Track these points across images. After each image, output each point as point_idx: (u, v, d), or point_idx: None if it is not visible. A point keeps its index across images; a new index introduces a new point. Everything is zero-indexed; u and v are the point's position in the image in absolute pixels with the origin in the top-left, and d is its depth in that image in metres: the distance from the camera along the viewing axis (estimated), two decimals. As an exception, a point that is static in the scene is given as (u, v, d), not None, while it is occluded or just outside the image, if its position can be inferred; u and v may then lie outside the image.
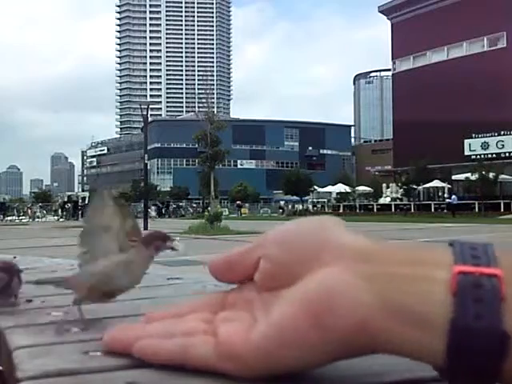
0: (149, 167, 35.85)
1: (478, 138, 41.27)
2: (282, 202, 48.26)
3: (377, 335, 0.30)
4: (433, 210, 34.89)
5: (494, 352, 0.27)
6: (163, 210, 39.91)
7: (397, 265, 0.31)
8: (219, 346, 0.34)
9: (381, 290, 0.30)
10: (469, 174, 33.36)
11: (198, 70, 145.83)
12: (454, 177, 37.72)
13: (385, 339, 0.30)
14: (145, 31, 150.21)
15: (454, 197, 32.81)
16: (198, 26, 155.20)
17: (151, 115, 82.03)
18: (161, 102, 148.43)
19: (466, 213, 30.22)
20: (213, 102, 76.81)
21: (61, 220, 32.37)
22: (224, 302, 0.39)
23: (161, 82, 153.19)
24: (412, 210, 35.21)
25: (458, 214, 30.01)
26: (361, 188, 44.02)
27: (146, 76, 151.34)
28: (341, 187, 43.39)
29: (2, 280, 0.66)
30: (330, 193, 45.12)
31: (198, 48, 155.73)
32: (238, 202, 47.51)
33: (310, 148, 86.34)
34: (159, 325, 0.39)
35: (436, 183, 38.24)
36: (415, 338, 0.29)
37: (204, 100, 23.46)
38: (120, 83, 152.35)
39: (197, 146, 23.50)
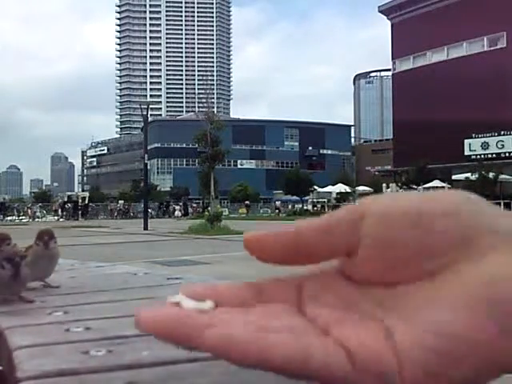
0: (149, 167, 35.90)
1: (477, 138, 41.28)
2: (277, 203, 48.26)
3: None
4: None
5: None
6: (184, 210, 39.18)
7: None
8: (354, 356, 0.23)
9: None
10: (469, 174, 33.38)
11: (198, 70, 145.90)
12: (453, 177, 37.72)
13: None
14: (145, 31, 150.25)
15: None
16: (197, 26, 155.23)
17: (151, 115, 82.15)
18: (161, 102, 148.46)
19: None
20: (213, 102, 76.90)
21: (61, 220, 32.40)
22: (299, 292, 0.28)
23: (161, 82, 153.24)
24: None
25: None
26: (361, 188, 44.01)
27: (146, 76, 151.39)
28: (341, 187, 43.38)
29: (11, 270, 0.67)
30: (330, 193, 45.10)
31: (198, 48, 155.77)
32: (246, 202, 47.71)
33: (310, 148, 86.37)
34: (234, 314, 0.26)
35: (436, 183, 38.24)
36: None
37: (204, 100, 23.47)
38: (120, 83, 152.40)
39: (197, 145, 23.47)
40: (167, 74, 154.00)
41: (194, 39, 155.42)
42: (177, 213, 37.41)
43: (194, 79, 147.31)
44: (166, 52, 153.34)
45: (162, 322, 0.25)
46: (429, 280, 0.24)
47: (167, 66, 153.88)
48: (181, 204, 40.60)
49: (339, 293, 0.27)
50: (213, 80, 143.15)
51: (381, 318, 0.24)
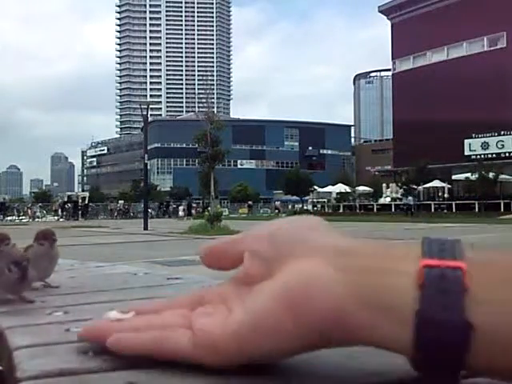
0: (149, 167, 35.86)
1: (478, 138, 41.27)
2: (277, 203, 48.20)
3: (349, 325, 0.31)
4: (433, 210, 34.90)
5: (458, 341, 0.28)
6: (188, 211, 38.72)
7: (369, 259, 0.32)
8: (195, 337, 0.35)
9: (354, 282, 0.32)
10: (469, 174, 33.39)
11: (198, 70, 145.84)
12: (453, 177, 37.73)
13: (357, 330, 0.31)
14: (145, 31, 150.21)
15: (410, 198, 33.94)
16: (197, 26, 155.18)
17: (151, 115, 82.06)
18: (161, 102, 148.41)
19: (466, 213, 30.21)
20: (213, 102, 76.86)
21: (61, 220, 32.38)
22: (202, 299, 0.39)
23: (161, 82, 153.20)
24: (412, 210, 35.23)
25: (454, 213, 30.03)
26: (361, 188, 44.00)
27: (146, 76, 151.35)
28: (341, 187, 43.37)
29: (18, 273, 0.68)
30: (330, 193, 45.09)
31: (198, 48, 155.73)
32: (249, 203, 47.75)
33: (310, 148, 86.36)
34: (135, 319, 0.40)
35: (436, 183, 38.24)
36: (384, 329, 0.30)
37: (204, 100, 23.43)
38: (120, 83, 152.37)
39: (197, 146, 23.45)
40: (167, 74, 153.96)
41: (193, 39, 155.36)
42: (180, 213, 37.20)
43: (194, 79, 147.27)
44: (166, 52, 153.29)
45: (90, 329, 0.40)
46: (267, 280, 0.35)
47: (167, 66, 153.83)
48: (184, 204, 40.40)
49: (225, 294, 0.38)
50: (213, 80, 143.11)
51: (235, 306, 0.35)
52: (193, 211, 37.70)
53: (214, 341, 0.34)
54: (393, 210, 36.55)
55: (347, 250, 0.34)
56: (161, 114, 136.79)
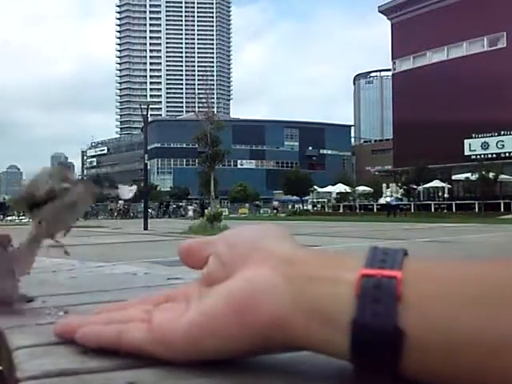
0: (149, 167, 35.87)
1: (478, 138, 41.27)
2: (275, 203, 48.09)
3: (292, 332, 0.33)
4: (433, 210, 34.91)
5: (389, 346, 0.30)
6: (202, 211, 37.22)
7: (315, 268, 0.34)
8: (151, 331, 0.37)
9: (298, 290, 0.33)
10: (469, 174, 33.38)
11: (198, 70, 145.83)
12: (453, 177, 37.74)
13: (299, 336, 0.33)
14: (145, 31, 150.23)
15: (392, 198, 34.73)
16: (197, 26, 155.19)
17: (151, 115, 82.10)
18: (161, 102, 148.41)
19: (466, 213, 30.22)
20: (213, 102, 76.87)
21: (61, 220, 32.34)
22: (168, 297, 0.42)
23: (161, 82, 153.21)
24: (412, 210, 35.24)
25: (454, 213, 30.02)
26: (361, 188, 43.99)
27: (146, 76, 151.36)
28: (341, 187, 43.37)
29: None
30: (330, 193, 45.11)
31: (198, 48, 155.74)
32: (256, 203, 47.69)
33: (310, 148, 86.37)
34: (103, 315, 0.43)
35: (436, 183, 38.24)
36: (324, 336, 0.32)
37: (204, 100, 23.45)
38: (120, 83, 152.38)
39: (197, 145, 23.46)
40: (167, 74, 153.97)
41: (194, 39, 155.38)
42: (190, 213, 36.56)
43: (194, 79, 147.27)
44: (166, 52, 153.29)
45: (63, 325, 0.42)
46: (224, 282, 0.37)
47: (167, 66, 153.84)
48: (196, 203, 39.73)
49: (189, 292, 0.40)
50: (213, 80, 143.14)
51: (192, 305, 0.37)
52: (206, 211, 36.15)
53: (165, 336, 0.36)
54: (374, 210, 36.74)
55: (296, 259, 0.35)
56: (161, 114, 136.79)
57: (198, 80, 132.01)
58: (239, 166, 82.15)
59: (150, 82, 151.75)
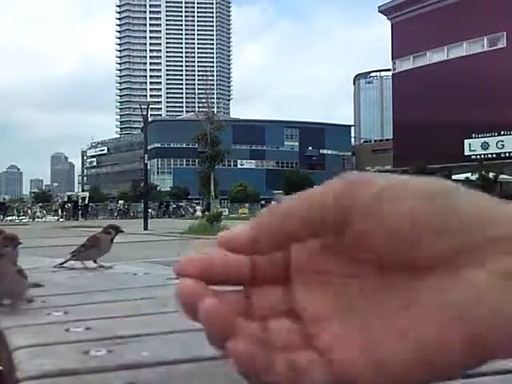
0: (149, 167, 35.83)
1: (478, 138, 41.28)
2: (273, 203, 48.09)
3: None
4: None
5: None
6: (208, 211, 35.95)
7: None
8: (333, 367, 0.23)
9: None
10: (469, 174, 33.38)
11: (198, 70, 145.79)
12: (454, 177, 37.66)
13: None
14: (145, 31, 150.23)
15: None
16: (197, 25, 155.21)
17: (151, 115, 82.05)
18: (161, 102, 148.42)
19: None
20: (213, 102, 76.89)
21: (61, 220, 32.38)
22: (287, 268, 0.27)
23: (161, 82, 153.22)
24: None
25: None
26: (361, 188, 44.00)
27: (146, 76, 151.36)
28: (341, 187, 43.38)
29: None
30: (330, 193, 45.11)
31: (198, 48, 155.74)
32: (262, 203, 47.63)
33: (310, 148, 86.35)
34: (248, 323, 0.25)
35: (436, 183, 38.24)
36: None
37: (204, 100, 23.48)
38: (120, 83, 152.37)
39: (197, 145, 23.48)
40: (167, 74, 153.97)
41: (194, 39, 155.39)
42: (198, 213, 36.17)
43: (194, 79, 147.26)
44: (166, 52, 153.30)
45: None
46: (434, 273, 0.22)
47: (167, 66, 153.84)
48: (202, 203, 39.37)
49: (327, 270, 0.25)
50: (213, 80, 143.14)
51: (368, 314, 0.23)
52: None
53: (356, 378, 0.23)
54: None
55: None
56: (161, 114, 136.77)
57: (198, 80, 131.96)
58: (239, 166, 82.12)
59: (150, 82, 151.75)
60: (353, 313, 0.24)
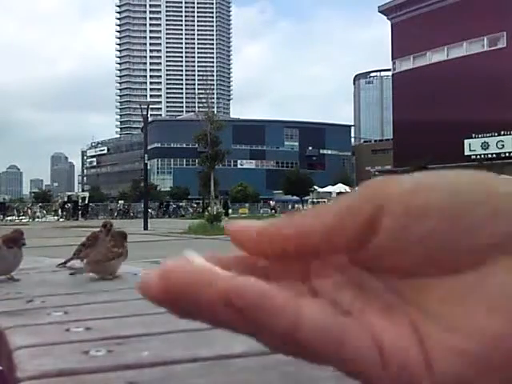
0: (149, 167, 35.85)
1: (478, 138, 41.29)
2: (272, 202, 47.85)
3: None
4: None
5: None
6: (225, 210, 33.81)
7: None
8: (385, 357, 0.20)
9: None
10: (469, 174, 33.37)
11: (198, 70, 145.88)
12: (454, 177, 37.76)
13: None
14: (145, 31, 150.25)
15: None
16: (197, 26, 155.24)
17: (151, 115, 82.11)
18: (161, 102, 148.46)
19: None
20: (213, 102, 76.89)
21: (61, 220, 32.38)
22: (307, 273, 0.23)
23: (161, 82, 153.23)
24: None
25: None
26: (361, 188, 43.99)
27: (146, 76, 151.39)
28: (341, 187, 43.39)
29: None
30: (330, 193, 45.09)
31: (198, 48, 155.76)
32: (270, 203, 47.51)
33: (310, 148, 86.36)
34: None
35: (436, 183, 38.26)
36: None
37: (204, 100, 23.48)
38: (120, 83, 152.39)
39: (197, 146, 23.49)
40: (167, 74, 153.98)
41: (194, 39, 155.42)
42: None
43: (194, 79, 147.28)
44: (166, 52, 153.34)
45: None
46: (453, 275, 0.20)
47: (167, 66, 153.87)
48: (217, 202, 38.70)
49: (349, 276, 0.22)
50: (213, 80, 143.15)
51: (403, 310, 0.21)
52: (230, 211, 33.67)
53: (413, 371, 0.20)
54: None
55: None
56: (161, 114, 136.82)
57: (198, 80, 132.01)
58: (239, 166, 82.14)
59: (150, 82, 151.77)
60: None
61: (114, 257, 1.11)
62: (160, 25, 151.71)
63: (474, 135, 41.20)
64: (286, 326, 0.20)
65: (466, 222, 0.20)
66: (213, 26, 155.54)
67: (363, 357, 0.20)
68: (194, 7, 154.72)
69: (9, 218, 32.55)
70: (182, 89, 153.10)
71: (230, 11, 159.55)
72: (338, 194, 43.72)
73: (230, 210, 35.38)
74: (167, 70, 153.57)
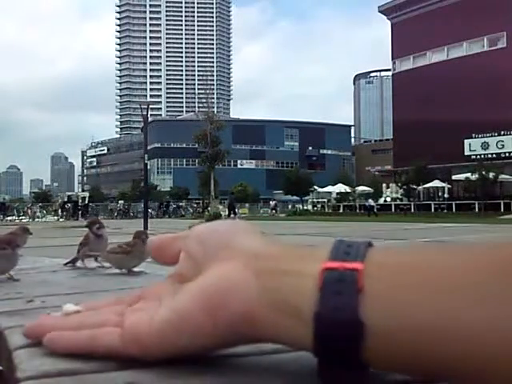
0: (149, 167, 35.78)
1: (477, 138, 41.25)
2: (272, 203, 47.72)
3: (261, 326, 0.34)
4: (433, 210, 34.89)
5: (350, 338, 0.30)
6: (232, 211, 32.94)
7: (282, 262, 0.34)
8: (124, 334, 0.37)
9: (265, 284, 0.34)
10: (469, 174, 33.34)
11: (198, 70, 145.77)
12: (454, 177, 37.70)
13: (267, 330, 0.34)
14: (145, 31, 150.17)
15: (370, 200, 36.25)
16: (197, 26, 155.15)
17: (151, 115, 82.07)
18: (161, 102, 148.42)
19: (466, 213, 30.20)
20: (213, 102, 76.86)
21: (61, 220, 32.34)
22: (141, 296, 0.42)
23: (161, 82, 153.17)
24: (412, 210, 35.23)
25: (454, 213, 29.98)
26: (361, 188, 43.97)
27: (146, 76, 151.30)
28: (341, 187, 43.37)
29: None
30: (330, 193, 45.08)
31: (198, 48, 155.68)
32: (271, 202, 47.36)
33: (310, 148, 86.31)
34: (75, 317, 0.42)
35: (436, 183, 38.22)
36: (289, 328, 0.33)
37: (204, 100, 23.47)
38: (120, 83, 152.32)
39: (197, 145, 23.49)
40: (167, 74, 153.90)
41: (194, 39, 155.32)
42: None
43: (194, 79, 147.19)
44: (166, 52, 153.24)
45: (33, 327, 0.42)
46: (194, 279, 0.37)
47: (167, 66, 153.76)
48: (224, 202, 38.27)
49: (160, 290, 0.40)
50: (213, 80, 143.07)
51: (164, 303, 0.37)
52: (237, 210, 32.98)
53: (137, 336, 0.36)
54: (393, 210, 36.71)
55: (265, 253, 0.36)
56: (161, 114, 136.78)
57: (198, 80, 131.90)
58: (239, 166, 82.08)
59: (150, 82, 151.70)
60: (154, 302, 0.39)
61: (122, 252, 1.12)
62: (160, 25, 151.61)
63: (473, 135, 41.16)
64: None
65: (208, 248, 0.38)
66: (213, 26, 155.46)
67: (108, 345, 0.37)
68: (193, 7, 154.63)
69: (9, 218, 32.51)
70: (182, 89, 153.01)
71: (229, 11, 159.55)
72: (338, 194, 43.73)
73: (237, 210, 34.50)
74: (167, 70, 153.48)
